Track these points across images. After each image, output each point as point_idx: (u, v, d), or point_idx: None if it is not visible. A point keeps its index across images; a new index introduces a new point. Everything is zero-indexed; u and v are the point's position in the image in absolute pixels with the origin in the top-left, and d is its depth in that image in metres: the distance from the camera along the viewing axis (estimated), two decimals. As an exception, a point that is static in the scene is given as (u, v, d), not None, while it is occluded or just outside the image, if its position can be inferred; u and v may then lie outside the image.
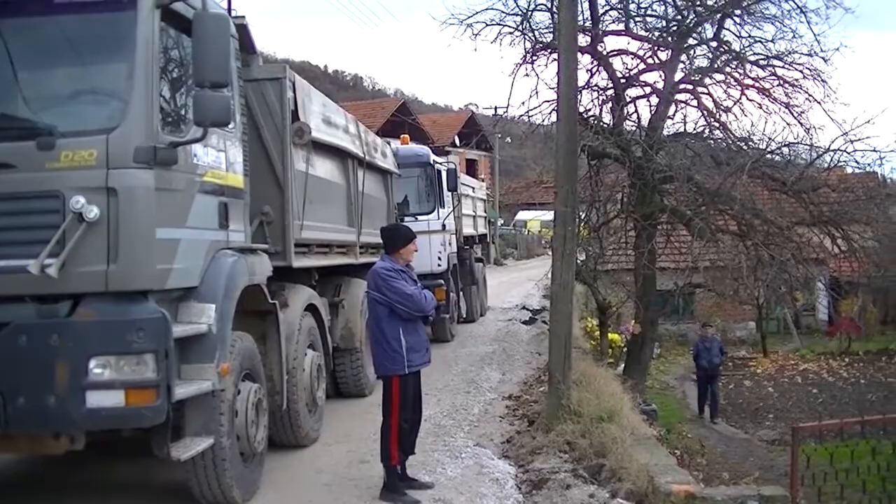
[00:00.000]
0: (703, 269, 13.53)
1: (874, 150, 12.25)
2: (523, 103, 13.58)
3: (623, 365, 15.00)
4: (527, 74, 13.29)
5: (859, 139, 11.94)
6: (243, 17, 7.07)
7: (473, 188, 20.61)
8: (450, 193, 15.45)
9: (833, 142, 12.32)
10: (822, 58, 12.42)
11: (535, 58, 13.18)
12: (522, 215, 51.47)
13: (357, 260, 9.93)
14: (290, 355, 7.32)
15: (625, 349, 15.93)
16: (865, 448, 6.51)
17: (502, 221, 48.43)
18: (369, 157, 10.56)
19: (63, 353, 4.96)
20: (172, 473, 6.22)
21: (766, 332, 25.58)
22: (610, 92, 13.56)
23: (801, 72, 12.67)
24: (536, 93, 13.17)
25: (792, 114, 12.76)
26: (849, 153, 12.21)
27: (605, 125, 13.21)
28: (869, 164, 12.91)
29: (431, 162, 14.94)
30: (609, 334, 16.95)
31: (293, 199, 7.64)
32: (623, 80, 13.51)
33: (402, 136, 16.49)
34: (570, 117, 8.92)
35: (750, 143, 12.89)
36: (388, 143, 13.03)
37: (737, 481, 9.58)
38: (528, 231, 49.94)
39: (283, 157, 7.53)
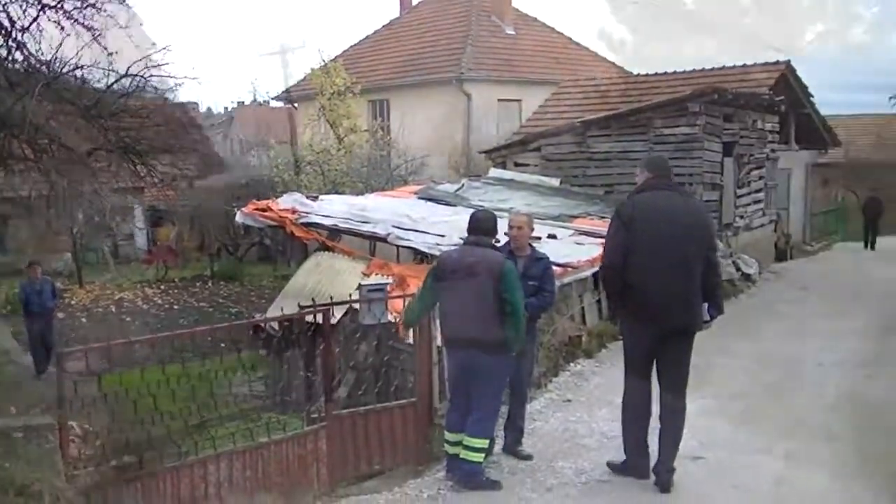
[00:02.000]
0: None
1: (171, 77, 12.57)
2: None
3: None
4: None
5: (157, 65, 12.21)
6: None
7: None
8: None
9: (131, 66, 12.38)
10: None
11: None
12: None
13: None
14: None
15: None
16: (136, 372, 6.83)
17: None
18: None
19: None
20: None
21: (83, 263, 25.19)
22: None
23: (105, -6, 12.46)
24: None
25: (93, 36, 11.95)
26: (146, 79, 12.38)
27: None
28: (167, 90, 13.17)
29: None
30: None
31: None
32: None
33: None
34: None
35: (51, 65, 12.02)
36: None
37: (26, 414, 9.27)
38: None
39: None
